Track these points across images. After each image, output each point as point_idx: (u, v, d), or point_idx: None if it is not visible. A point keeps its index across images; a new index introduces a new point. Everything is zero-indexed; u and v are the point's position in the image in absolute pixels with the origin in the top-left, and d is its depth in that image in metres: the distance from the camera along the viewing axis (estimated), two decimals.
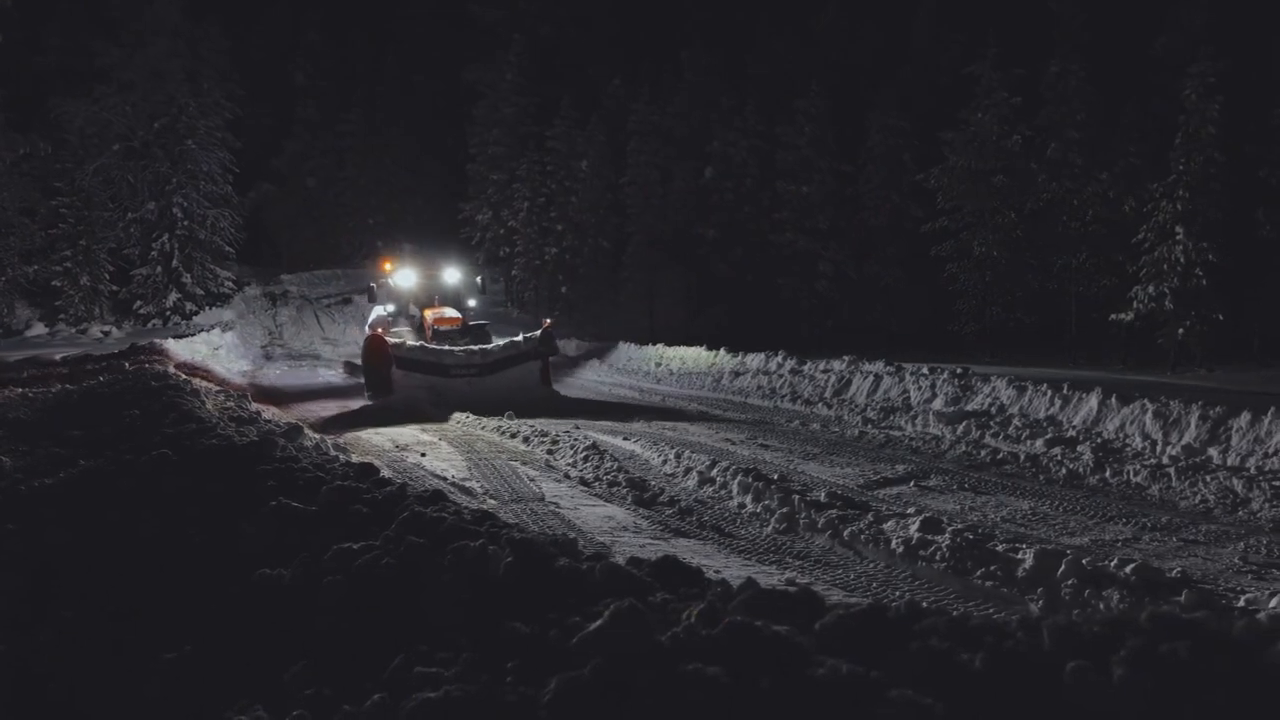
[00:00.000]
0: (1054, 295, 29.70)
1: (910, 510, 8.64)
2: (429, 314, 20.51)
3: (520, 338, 18.35)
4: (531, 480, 10.34)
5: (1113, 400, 12.93)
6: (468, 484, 10.04)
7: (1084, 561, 6.44)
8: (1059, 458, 11.55)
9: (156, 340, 23.45)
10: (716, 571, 5.53)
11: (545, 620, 3.74)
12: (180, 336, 27.59)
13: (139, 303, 38.91)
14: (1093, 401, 13.20)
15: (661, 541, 7.66)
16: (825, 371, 19.14)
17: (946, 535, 7.38)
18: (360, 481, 6.02)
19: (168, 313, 38.46)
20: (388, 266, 22.64)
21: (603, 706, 3.06)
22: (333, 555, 4.77)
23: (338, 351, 31.25)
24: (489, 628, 3.76)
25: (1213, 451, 11.07)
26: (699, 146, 38.68)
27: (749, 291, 36.94)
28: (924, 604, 3.63)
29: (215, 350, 26.07)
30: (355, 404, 18.28)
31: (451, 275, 22.43)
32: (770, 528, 8.22)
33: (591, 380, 24.12)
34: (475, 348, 17.97)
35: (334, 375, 25.42)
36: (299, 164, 53.39)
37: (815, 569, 7.05)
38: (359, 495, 5.61)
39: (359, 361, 20.82)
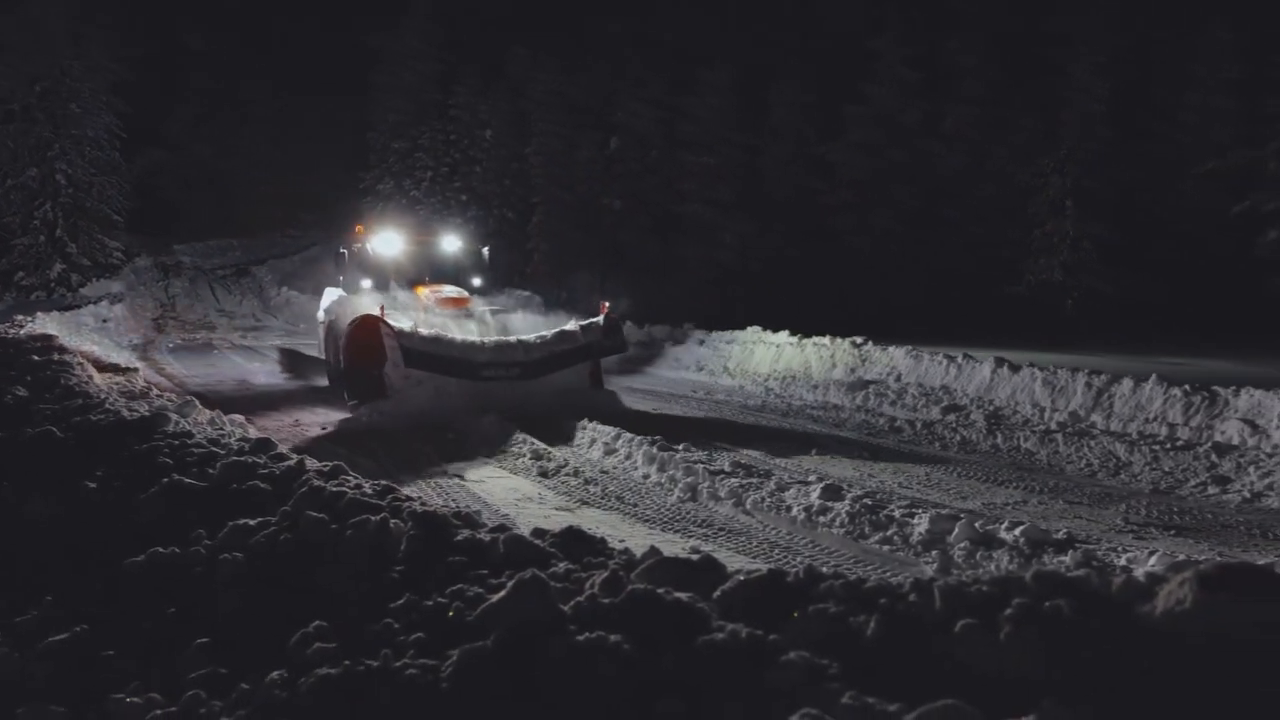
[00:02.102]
0: (951, 270, 30.46)
1: (812, 478, 8.80)
2: (424, 292, 14.72)
3: (574, 325, 13.25)
4: None
5: (1004, 369, 13.35)
6: None
7: (976, 524, 6.65)
8: (953, 424, 11.91)
9: (40, 314, 21.90)
10: (621, 540, 5.55)
11: (448, 593, 3.72)
12: (66, 309, 26.48)
13: (20, 274, 37.20)
14: (985, 370, 13.61)
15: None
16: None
17: (845, 502, 7.55)
18: (257, 455, 5.89)
19: (52, 284, 36.88)
20: (361, 229, 16.99)
21: (506, 678, 3.07)
22: (229, 532, 4.67)
23: (234, 324, 30.02)
24: (390, 601, 3.72)
25: (1096, 417, 11.53)
26: (605, 116, 38.50)
27: (655, 262, 37.03)
28: (823, 569, 3.71)
29: (104, 323, 25.02)
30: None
31: (450, 244, 16.35)
32: (674, 497, 8.29)
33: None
34: (513, 339, 12.85)
35: (242, 358, 20.60)
36: (193, 130, 51.58)
37: (719, 536, 7.14)
38: (255, 470, 5.49)
39: (322, 354, 16.22)
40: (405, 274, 15.58)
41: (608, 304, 13.77)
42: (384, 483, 5.28)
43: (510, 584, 3.43)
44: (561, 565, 3.84)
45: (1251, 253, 22.25)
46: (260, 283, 37.98)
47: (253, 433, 9.66)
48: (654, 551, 3.93)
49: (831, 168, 32.22)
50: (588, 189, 38.38)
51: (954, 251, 30.07)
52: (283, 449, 6.43)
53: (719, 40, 37.53)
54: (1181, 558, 4.92)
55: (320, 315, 16.63)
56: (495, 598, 3.40)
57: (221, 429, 9.25)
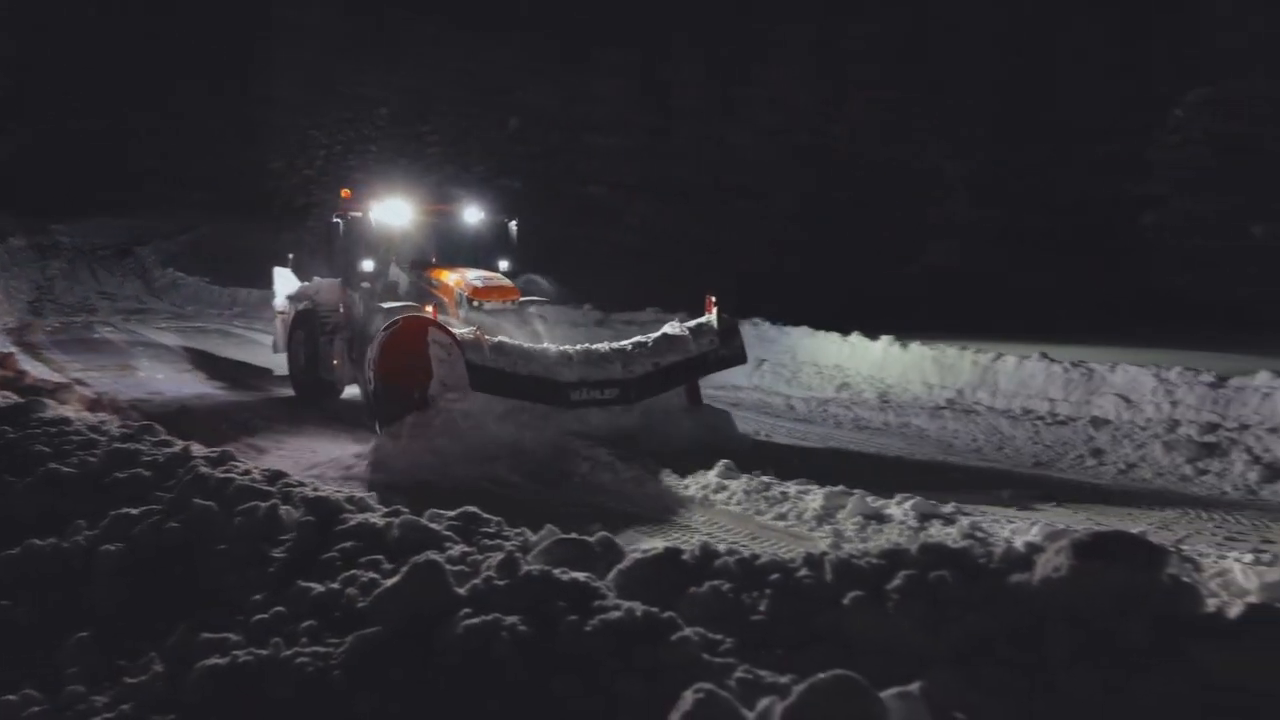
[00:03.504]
0: (851, 252, 30.96)
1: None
2: (449, 277, 10.81)
3: (678, 328, 9.93)
4: None
5: (895, 348, 13.69)
6: None
7: (868, 499, 6.82)
8: (847, 403, 12.17)
9: None
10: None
11: (340, 579, 3.66)
12: None
13: None
14: (877, 350, 13.93)
15: None
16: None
17: (742, 479, 7.64)
18: (139, 442, 5.69)
19: None
20: (348, 194, 13.06)
21: (400, 663, 3.04)
22: (111, 522, 4.50)
23: (116, 307, 28.73)
24: (281, 589, 3.65)
25: (983, 394, 11.92)
26: (506, 96, 38.08)
27: (557, 244, 36.86)
28: (719, 546, 3.76)
29: None
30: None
31: (472, 215, 12.27)
32: (577, 479, 8.25)
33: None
34: (604, 347, 9.53)
35: (148, 360, 15.90)
36: (68, 105, 49.28)
37: (619, 519, 7.15)
38: (138, 457, 5.31)
39: (279, 350, 13.19)
40: (414, 253, 11.82)
41: (714, 299, 10.12)
42: (275, 469, 5.16)
43: (405, 569, 3.40)
44: (458, 548, 3.81)
45: (1137, 237, 23.15)
46: (144, 264, 36.59)
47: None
48: (551, 532, 3.93)
49: (733, 149, 32.46)
50: (489, 169, 37.97)
51: (853, 234, 30.58)
52: (165, 434, 6.22)
53: (622, 20, 37.43)
54: (1060, 528, 5.10)
55: (278, 303, 13.59)
56: (389, 583, 3.36)
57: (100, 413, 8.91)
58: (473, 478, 7.74)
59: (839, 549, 4.11)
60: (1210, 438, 9.02)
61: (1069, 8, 28.06)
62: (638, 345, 9.62)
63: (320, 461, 8.64)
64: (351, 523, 4.01)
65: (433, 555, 3.52)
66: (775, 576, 3.25)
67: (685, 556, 3.47)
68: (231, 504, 4.39)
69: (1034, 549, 3.26)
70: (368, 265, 11.46)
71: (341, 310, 11.71)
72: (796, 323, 16.69)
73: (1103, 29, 27.64)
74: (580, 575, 3.32)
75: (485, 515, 4.24)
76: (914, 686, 2.54)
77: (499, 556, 3.45)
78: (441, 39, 39.94)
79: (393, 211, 11.75)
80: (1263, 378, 9.90)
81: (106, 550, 4.20)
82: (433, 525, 4.00)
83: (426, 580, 3.27)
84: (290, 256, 14.71)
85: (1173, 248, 22.81)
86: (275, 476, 4.97)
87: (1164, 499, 7.81)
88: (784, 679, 2.73)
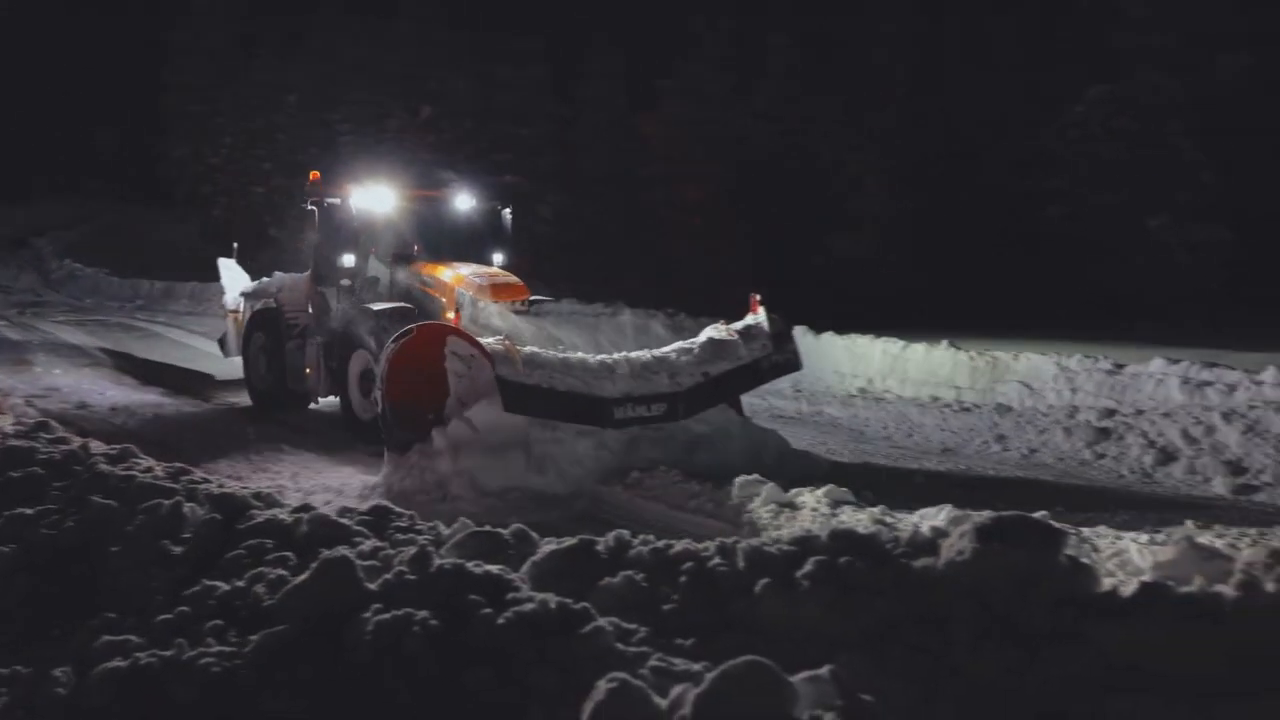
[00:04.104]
0: (763, 244, 31.29)
1: None
2: (448, 274, 9.57)
3: (723, 331, 8.65)
4: None
5: (809, 337, 13.87)
6: None
7: (780, 488, 6.90)
8: (761, 392, 12.30)
9: None
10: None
11: (249, 576, 3.59)
12: None
13: None
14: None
15: None
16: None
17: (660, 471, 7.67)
18: (34, 439, 5.49)
19: None
20: (317, 176, 11.31)
21: (309, 662, 2.99)
22: (5, 523, 4.34)
23: (11, 299, 27.54)
24: (185, 589, 3.56)
25: (892, 383, 12.18)
26: (418, 85, 37.53)
27: None
28: (635, 537, 3.77)
29: None
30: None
31: (463, 203, 10.82)
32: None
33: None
34: (648, 355, 8.21)
35: (63, 363, 14.26)
36: None
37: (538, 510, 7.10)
38: (34, 455, 5.12)
39: (232, 353, 11.80)
40: (395, 245, 10.32)
41: (759, 296, 9.06)
42: (178, 464, 5.02)
43: (315, 565, 3.34)
44: (369, 543, 3.76)
45: (1043, 229, 23.80)
46: (40, 255, 35.24)
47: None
48: (464, 525, 3.90)
49: (646, 140, 32.52)
50: (400, 159, 37.39)
51: (766, 225, 30.90)
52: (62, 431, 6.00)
53: (534, 8, 37.18)
54: (964, 512, 5.18)
55: (229, 301, 12.12)
56: (298, 579, 3.30)
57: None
58: (500, 511, 6.55)
59: (752, 537, 4.15)
60: (1107, 423, 9.35)
61: (978, 6, 28.73)
62: (682, 352, 8.29)
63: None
64: (259, 519, 3.93)
65: (343, 551, 3.46)
66: (688, 565, 3.28)
67: (599, 547, 3.47)
68: (133, 502, 4.26)
69: (939, 534, 3.35)
70: (348, 260, 9.97)
71: (311, 310, 10.40)
72: (710, 314, 16.79)
73: (1010, 26, 28.36)
74: (494, 568, 3.30)
75: (398, 510, 4.19)
76: (824, 670, 2.59)
77: (411, 551, 3.41)
78: (351, 26, 39.22)
79: (376, 198, 10.18)
80: (1156, 365, 10.29)
81: (1, 552, 4.04)
82: (343, 520, 3.94)
83: (336, 576, 3.22)
84: (235, 246, 13.30)
85: (1076, 240, 23.49)
86: (179, 473, 4.83)
87: (1065, 482, 8.15)
88: (697, 666, 2.76)
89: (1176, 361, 10.29)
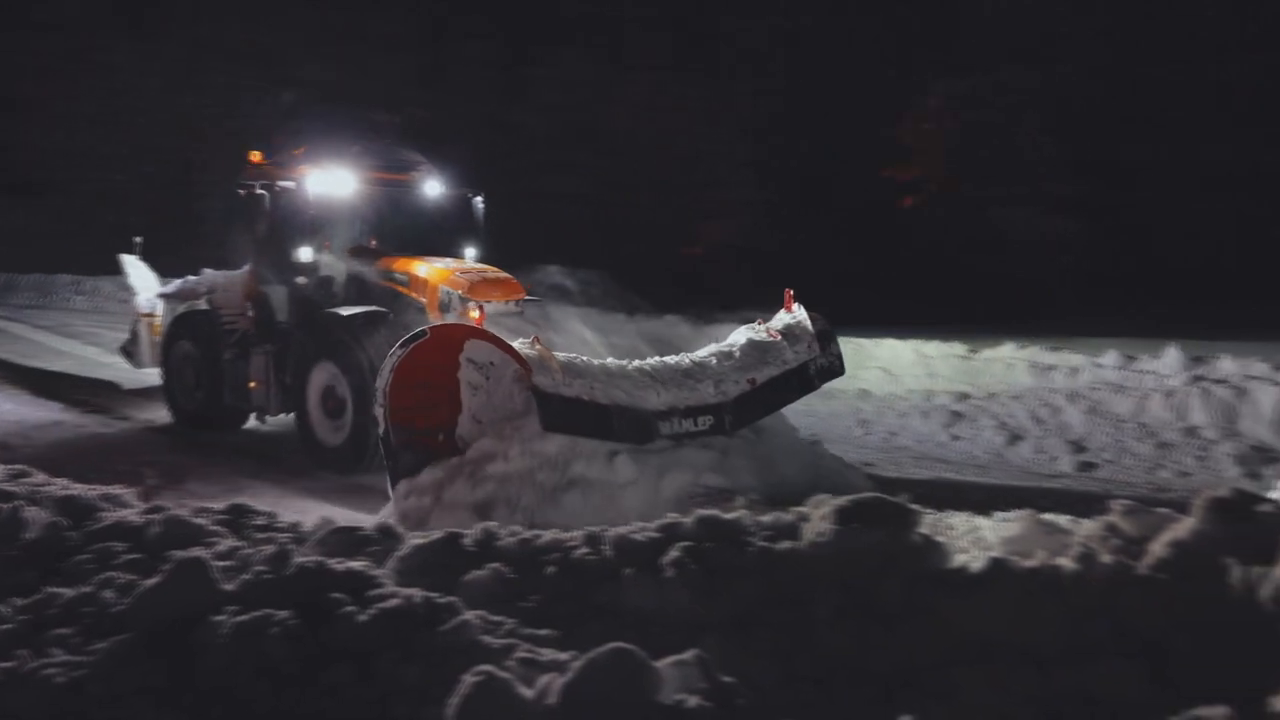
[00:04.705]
0: (635, 233, 31.47)
1: None
2: (423, 269, 8.48)
3: (762, 332, 7.71)
4: None
5: (684, 328, 14.01)
6: None
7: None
8: None
9: None
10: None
11: (96, 581, 3.43)
12: None
13: None
14: (683, 328, 14.19)
15: None
16: None
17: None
18: None
19: None
20: (258, 159, 9.76)
21: (161, 667, 2.88)
22: None
23: None
24: (26, 597, 3.38)
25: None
26: (283, 70, 36.35)
27: None
28: (501, 530, 3.75)
29: None
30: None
31: (431, 189, 9.57)
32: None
33: None
34: (686, 360, 7.31)
35: None
36: None
37: None
38: None
39: (148, 363, 10.59)
40: (352, 236, 9.19)
41: (792, 291, 8.10)
42: (19, 466, 4.76)
43: (169, 567, 3.22)
44: (226, 543, 3.64)
45: (901, 219, 24.66)
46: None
47: None
48: (326, 522, 3.82)
49: (516, 129, 32.29)
50: (267, 144, 36.18)
51: (637, 214, 31.07)
52: None
53: None
54: (826, 495, 5.16)
55: (141, 303, 10.81)
56: (150, 583, 3.17)
57: None
58: None
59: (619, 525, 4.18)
60: (962, 406, 9.75)
61: (842, 2, 29.45)
62: (723, 357, 7.35)
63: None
64: (107, 521, 3.76)
65: (198, 552, 3.35)
66: (555, 556, 3.29)
67: (466, 541, 3.45)
68: None
69: (801, 517, 3.43)
70: (305, 254, 8.69)
71: (252, 314, 9.07)
72: (588, 304, 16.79)
73: (873, 22, 29.18)
74: (357, 564, 3.24)
75: (256, 507, 4.07)
76: (689, 654, 2.63)
77: (270, 550, 3.32)
78: (212, 8, 37.75)
79: (330, 180, 8.91)
80: (1006, 350, 10.77)
81: None
82: (197, 520, 3.80)
83: (190, 578, 3.11)
84: (137, 241, 11.83)
85: (932, 229, 24.37)
86: (19, 474, 4.58)
87: (923, 463, 8.41)
88: (565, 656, 2.77)
89: (1025, 346, 10.79)
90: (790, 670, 2.81)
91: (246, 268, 9.30)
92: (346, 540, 3.58)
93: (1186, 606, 2.80)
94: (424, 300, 8.15)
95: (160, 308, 10.31)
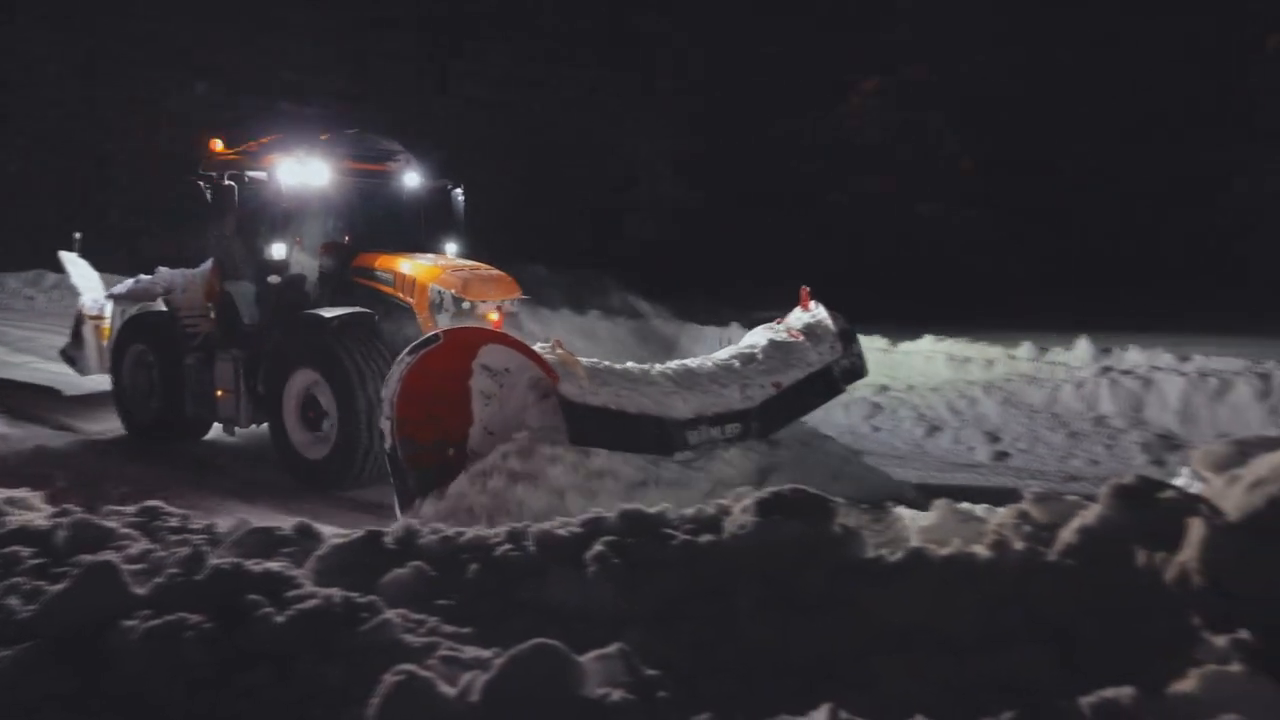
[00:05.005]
0: (559, 229, 31.37)
1: None
2: (406, 266, 7.87)
3: (782, 332, 7.35)
4: None
5: (606, 322, 14.03)
6: None
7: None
8: None
9: None
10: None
11: (0, 588, 3.31)
12: None
13: None
14: (586, 323, 14.23)
15: None
16: None
17: None
18: None
19: None
20: (219, 148, 8.87)
21: (70, 675, 2.79)
22: None
23: None
24: None
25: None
26: (195, 59, 35.43)
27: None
28: (423, 528, 3.71)
29: None
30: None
31: (410, 180, 8.95)
32: None
33: None
34: (709, 363, 6.92)
35: None
36: None
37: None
38: None
39: (94, 369, 9.83)
40: (324, 232, 8.68)
41: (808, 288, 7.73)
42: None
43: (76, 572, 3.13)
44: (138, 546, 3.55)
45: (827, 213, 24.94)
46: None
47: None
48: (243, 523, 3.74)
49: (437, 122, 31.95)
50: (182, 136, 35.22)
51: (562, 210, 30.98)
52: None
53: None
54: (746, 488, 5.08)
55: (87, 305, 10.03)
56: (57, 588, 3.07)
57: None
58: None
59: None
60: (882, 398, 9.91)
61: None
62: (745, 360, 6.94)
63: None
64: (11, 525, 3.63)
65: (108, 556, 3.26)
66: (478, 553, 3.27)
67: (386, 539, 3.41)
68: None
69: (723, 509, 3.46)
70: (278, 250, 8.07)
71: (215, 315, 8.42)
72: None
73: (793, 19, 29.46)
74: (275, 565, 3.19)
75: (170, 509, 3.97)
76: (612, 648, 2.64)
77: (184, 552, 3.24)
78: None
79: (311, 172, 8.18)
80: (925, 343, 10.99)
81: None
82: (108, 523, 3.69)
83: (100, 583, 3.02)
84: (76, 238, 10.91)
85: (855, 223, 24.72)
86: None
87: (844, 455, 7.87)
88: (487, 653, 2.75)
89: (943, 339, 11.01)
90: (713, 662, 2.83)
91: (206, 265, 8.68)
92: (263, 541, 3.52)
93: (1095, 591, 2.88)
94: (410, 300, 7.59)
95: (109, 309, 9.61)
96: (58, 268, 10.74)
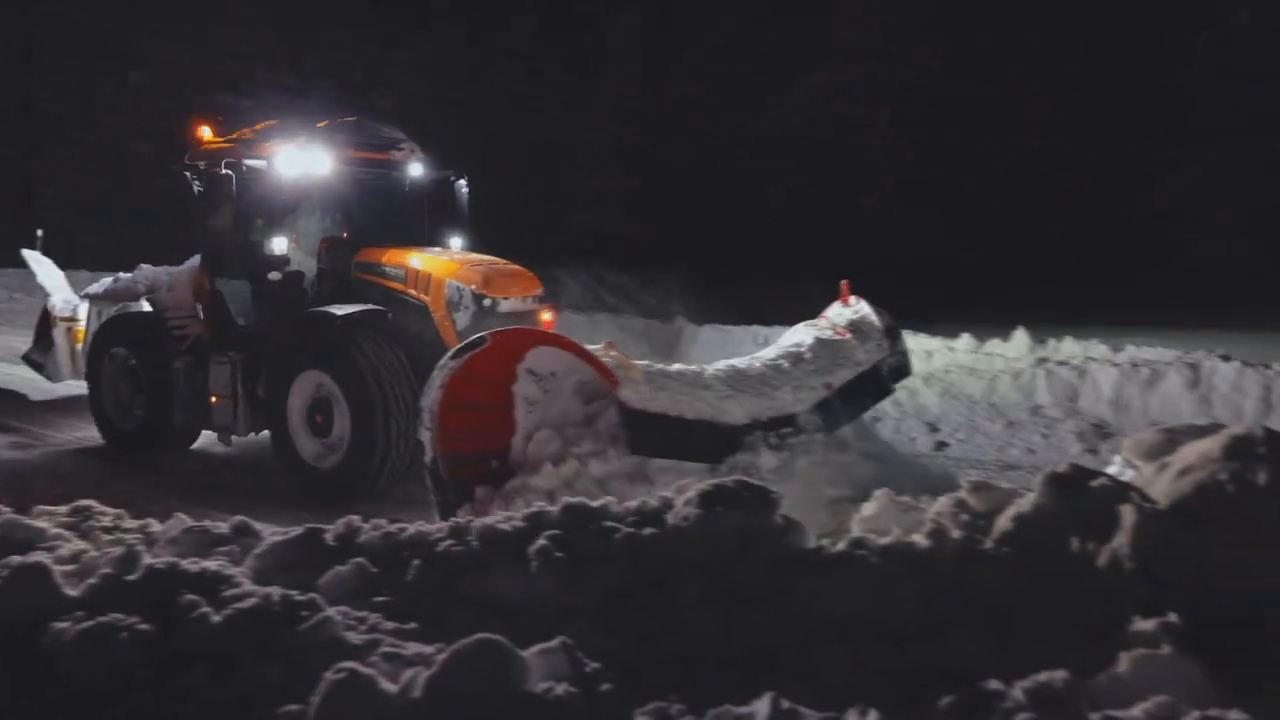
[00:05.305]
0: (506, 222, 31.23)
1: None
2: (417, 261, 7.42)
3: (827, 329, 7.04)
4: None
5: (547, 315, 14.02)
6: None
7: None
8: None
9: None
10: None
11: None
12: None
13: None
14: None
15: None
16: None
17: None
18: None
19: None
20: (208, 132, 8.22)
21: (1, 678, 2.73)
22: None
23: None
24: None
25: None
26: (129, 49, 34.64)
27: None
28: (364, 524, 3.67)
29: None
30: None
31: (415, 170, 8.40)
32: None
33: None
34: (757, 364, 6.61)
35: None
36: None
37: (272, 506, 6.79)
38: None
39: (67, 374, 9.38)
40: (322, 225, 8.27)
41: (848, 282, 7.36)
42: None
43: (5, 574, 3.05)
44: (69, 547, 3.47)
45: (767, 207, 25.12)
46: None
47: None
48: (179, 522, 3.68)
49: (382, 115, 31.66)
50: (113, 127, 34.43)
51: (508, 202, 30.83)
52: None
53: None
54: (689, 480, 4.96)
55: (57, 306, 9.52)
56: None
57: None
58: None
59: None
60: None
61: None
62: (794, 360, 6.56)
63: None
64: None
65: (38, 556, 3.18)
66: (420, 549, 3.24)
67: (327, 536, 3.37)
68: None
69: (666, 502, 3.47)
70: (280, 245, 7.54)
71: (204, 316, 7.87)
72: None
73: (736, 13, 29.60)
74: (212, 564, 3.14)
75: (103, 508, 3.88)
76: (555, 642, 2.64)
77: (119, 552, 3.18)
78: None
79: (314, 161, 7.63)
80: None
81: None
82: (38, 523, 3.61)
83: (30, 584, 2.95)
84: (39, 235, 10.41)
85: (795, 215, 24.93)
86: None
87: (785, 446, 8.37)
88: (430, 649, 2.74)
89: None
90: (656, 653, 2.84)
91: (193, 262, 8.18)
92: (200, 539, 3.46)
93: (1030, 578, 2.94)
94: (424, 298, 7.13)
95: (82, 310, 9.08)
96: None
